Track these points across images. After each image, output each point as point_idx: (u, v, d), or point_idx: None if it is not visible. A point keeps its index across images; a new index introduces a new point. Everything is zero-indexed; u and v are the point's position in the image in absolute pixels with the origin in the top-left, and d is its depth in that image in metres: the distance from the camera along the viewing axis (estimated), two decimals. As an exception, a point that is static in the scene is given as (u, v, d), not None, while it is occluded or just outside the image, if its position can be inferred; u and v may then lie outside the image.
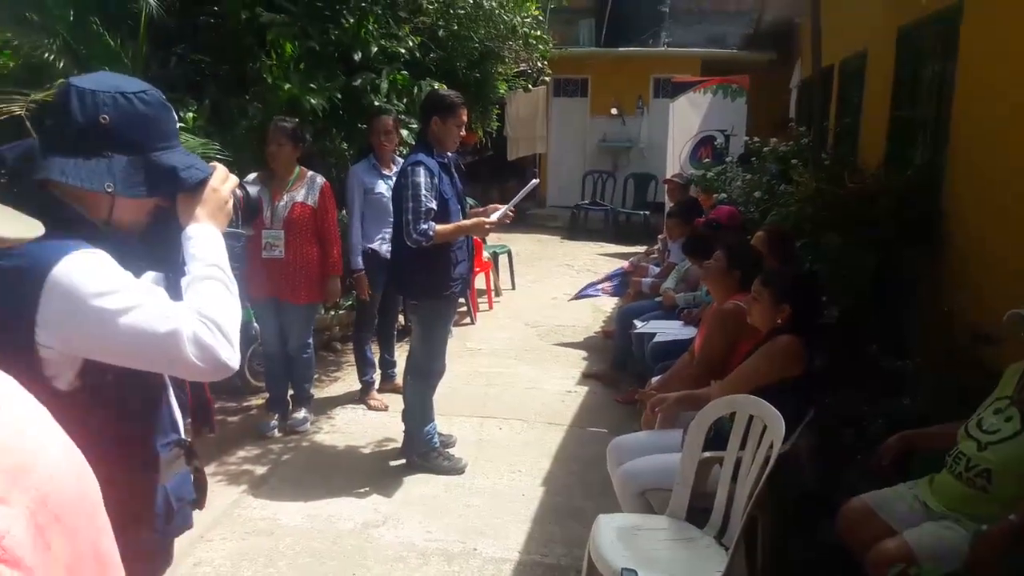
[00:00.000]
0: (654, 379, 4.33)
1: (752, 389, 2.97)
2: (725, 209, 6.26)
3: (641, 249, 9.66)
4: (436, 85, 5.79)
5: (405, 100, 5.87)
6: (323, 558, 3.48)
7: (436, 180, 3.93)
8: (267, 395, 5.01)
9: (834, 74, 7.84)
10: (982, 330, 3.28)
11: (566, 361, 6.37)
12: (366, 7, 5.67)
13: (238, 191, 1.64)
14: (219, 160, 1.65)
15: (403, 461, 4.40)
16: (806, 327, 3.13)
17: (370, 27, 5.66)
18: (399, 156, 5.22)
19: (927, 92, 5.00)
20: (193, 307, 1.40)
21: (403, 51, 5.90)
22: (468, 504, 3.99)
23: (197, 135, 4.66)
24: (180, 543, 1.74)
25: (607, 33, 13.88)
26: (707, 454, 2.93)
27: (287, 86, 5.19)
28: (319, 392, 5.39)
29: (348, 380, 5.76)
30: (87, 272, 1.33)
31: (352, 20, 5.58)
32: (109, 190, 1.41)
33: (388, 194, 4.85)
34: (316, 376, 5.30)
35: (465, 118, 4.13)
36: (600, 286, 7.34)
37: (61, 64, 4.61)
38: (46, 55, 4.61)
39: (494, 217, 4.12)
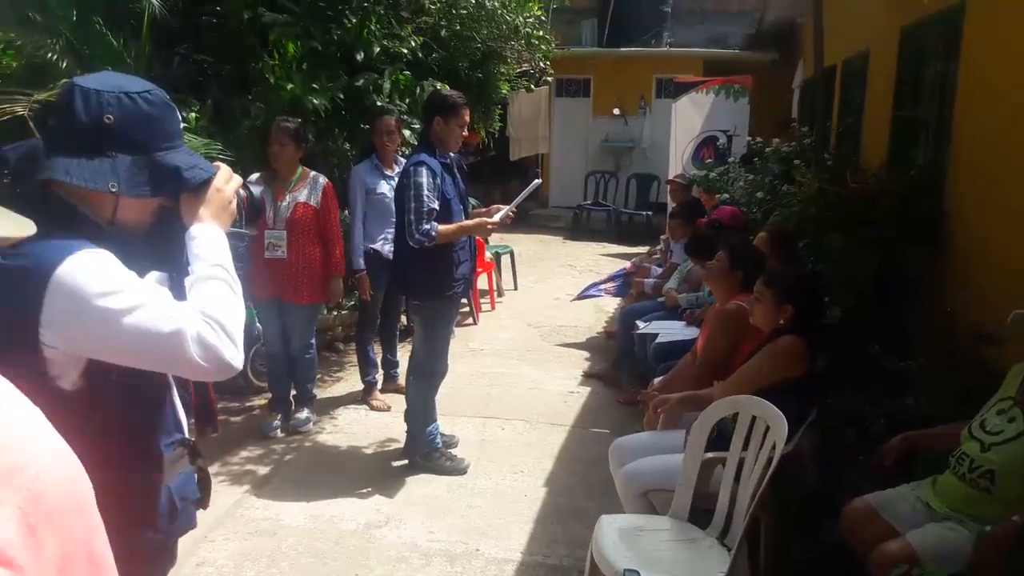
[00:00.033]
0: (656, 380, 4.33)
1: (755, 390, 2.97)
2: (727, 209, 6.25)
3: (643, 250, 9.65)
4: (438, 85, 5.79)
5: (407, 100, 5.87)
6: (326, 558, 3.48)
7: (438, 180, 3.93)
8: (270, 395, 5.01)
9: (836, 74, 7.84)
10: (985, 330, 3.27)
11: (568, 362, 6.37)
12: (368, 7, 5.67)
13: (242, 191, 1.65)
14: (222, 160, 1.65)
15: (405, 461, 4.40)
16: (808, 327, 3.12)
17: (372, 27, 5.66)
18: (401, 156, 5.22)
19: (929, 92, 5.00)
20: (197, 307, 1.40)
21: (405, 51, 5.90)
22: (470, 505, 3.99)
23: (200, 135, 4.67)
24: (183, 543, 1.74)
25: (609, 33, 13.88)
26: (710, 455, 2.93)
27: (289, 86, 5.19)
28: (322, 392, 5.39)
29: (351, 380, 5.76)
30: (91, 272, 1.33)
31: (354, 20, 5.58)
32: (113, 190, 1.41)
33: (390, 194, 4.85)
34: (319, 376, 5.31)
35: (467, 118, 4.14)
36: (603, 286, 7.35)
37: (64, 64, 4.62)
38: (49, 55, 4.61)
39: (496, 217, 4.12)
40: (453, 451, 4.45)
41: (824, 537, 2.95)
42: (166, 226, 1.56)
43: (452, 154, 4.16)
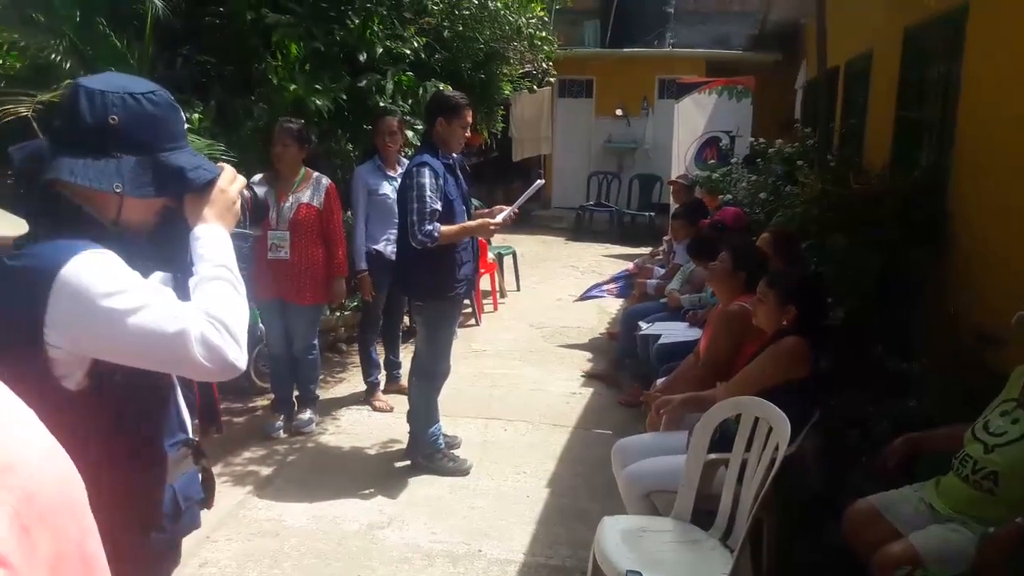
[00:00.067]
0: (659, 381, 4.33)
1: (758, 391, 2.97)
2: (730, 210, 6.25)
3: (646, 250, 9.64)
4: (441, 86, 5.79)
5: (410, 101, 5.87)
6: (328, 559, 3.48)
7: (441, 181, 3.93)
8: (272, 396, 5.02)
9: (839, 75, 7.83)
10: (988, 331, 3.27)
11: (571, 363, 6.36)
12: (371, 8, 5.68)
13: (246, 192, 1.65)
14: (225, 161, 1.66)
15: (408, 462, 4.40)
16: (812, 328, 3.12)
17: (375, 28, 5.67)
18: (404, 157, 5.22)
19: (933, 93, 4.99)
20: (201, 307, 1.40)
21: (408, 52, 5.91)
22: (473, 506, 3.99)
23: (203, 136, 4.67)
24: (186, 544, 1.74)
25: (612, 34, 13.88)
26: (712, 456, 2.93)
27: (292, 87, 5.20)
28: (324, 393, 5.39)
29: (353, 381, 5.76)
30: (96, 272, 1.34)
31: (357, 21, 5.59)
32: (118, 190, 1.41)
33: (393, 195, 4.85)
34: (321, 377, 5.31)
35: (470, 119, 4.13)
36: (605, 287, 7.36)
37: (67, 65, 4.62)
38: (52, 56, 4.62)
39: (499, 218, 4.12)
40: (455, 452, 4.45)
41: (827, 538, 2.94)
42: (170, 226, 1.57)
43: (455, 155, 4.16)
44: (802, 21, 10.67)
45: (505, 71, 7.63)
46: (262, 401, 5.29)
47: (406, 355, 5.33)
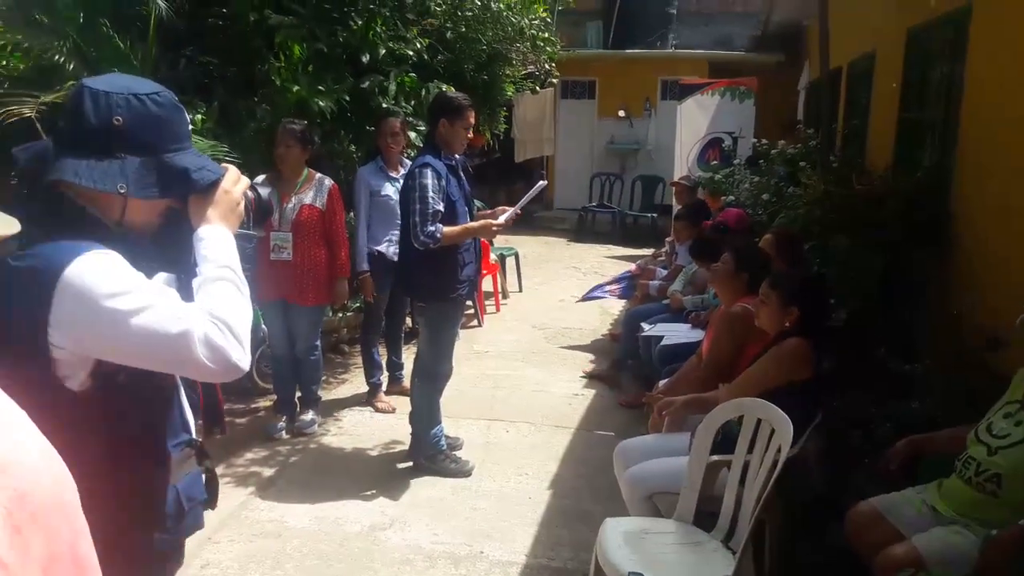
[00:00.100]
0: (661, 382, 4.33)
1: (760, 392, 2.96)
2: (733, 212, 6.24)
3: (648, 252, 9.64)
4: (444, 87, 5.80)
5: (413, 102, 5.88)
6: (330, 560, 3.48)
7: (443, 182, 3.93)
8: (275, 397, 5.02)
9: (842, 76, 7.83)
10: (991, 333, 3.27)
11: (573, 364, 6.36)
12: (374, 9, 5.68)
13: (250, 193, 1.65)
14: (228, 162, 1.66)
15: (410, 464, 4.40)
16: (814, 330, 3.12)
17: (378, 29, 5.67)
18: (407, 158, 5.23)
19: (936, 94, 4.99)
20: (204, 308, 1.40)
21: (411, 53, 5.91)
22: (475, 507, 3.99)
23: (206, 137, 4.68)
24: (188, 545, 1.74)
25: (615, 35, 13.88)
26: (715, 458, 2.93)
27: (295, 88, 5.20)
28: (326, 394, 5.40)
29: (355, 382, 5.77)
30: (99, 273, 1.34)
31: (360, 22, 5.59)
32: (122, 191, 1.42)
33: (395, 196, 4.86)
34: (324, 378, 5.32)
35: (473, 120, 4.14)
36: (607, 288, 7.34)
37: (71, 66, 4.64)
38: (56, 57, 4.63)
39: (502, 219, 4.11)
40: (458, 453, 4.45)
41: (829, 540, 2.94)
42: (174, 227, 1.57)
43: (457, 156, 4.16)
44: (804, 22, 10.67)
45: (508, 72, 7.63)
46: (264, 402, 5.29)
47: (408, 356, 5.33)
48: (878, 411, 3.47)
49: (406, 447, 4.50)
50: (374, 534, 3.70)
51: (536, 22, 7.55)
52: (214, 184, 1.53)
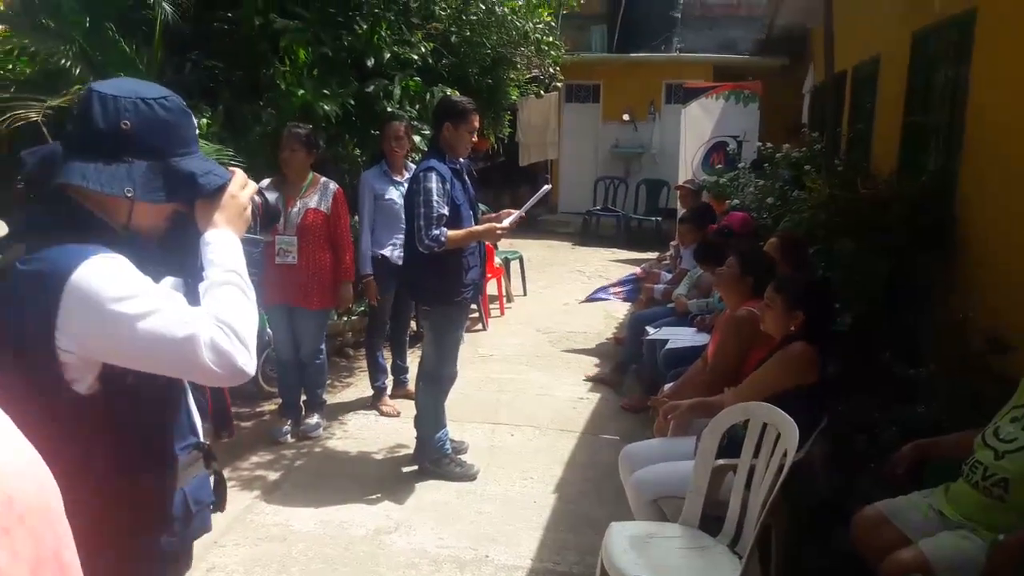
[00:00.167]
0: (666, 386, 4.32)
1: (766, 396, 2.96)
2: (738, 215, 6.24)
3: (653, 255, 9.63)
4: (448, 91, 5.81)
5: (417, 106, 5.89)
6: (335, 564, 3.48)
7: (448, 186, 3.94)
8: (280, 401, 5.03)
9: (847, 79, 7.82)
10: (996, 337, 3.25)
11: (577, 367, 6.35)
12: (379, 13, 5.70)
13: (257, 197, 1.65)
14: (233, 166, 1.66)
15: (415, 467, 4.40)
16: (819, 334, 3.12)
17: (383, 33, 5.69)
18: (411, 162, 5.23)
19: (940, 98, 4.97)
20: (211, 312, 1.40)
21: (416, 57, 5.92)
22: (480, 511, 3.98)
23: (211, 141, 4.70)
24: (194, 548, 1.74)
25: (619, 39, 13.88)
26: (720, 462, 2.92)
27: (300, 92, 5.22)
28: (331, 398, 5.40)
29: (360, 386, 5.77)
30: (106, 277, 1.34)
31: (365, 26, 5.61)
32: (129, 195, 1.42)
33: (399, 200, 4.86)
34: (329, 382, 5.32)
35: (477, 124, 4.14)
36: (612, 290, 7.35)
37: (77, 70, 4.65)
38: (62, 61, 4.65)
39: (506, 223, 4.11)
40: (463, 457, 4.45)
41: (835, 545, 2.93)
42: (181, 231, 1.57)
43: (462, 160, 4.17)
44: (809, 26, 10.66)
45: (512, 76, 7.64)
46: (269, 406, 5.30)
47: (413, 360, 5.34)
48: (883, 415, 3.46)
49: (411, 451, 4.50)
50: (379, 538, 3.70)
51: (540, 26, 7.56)
52: (221, 188, 1.54)
